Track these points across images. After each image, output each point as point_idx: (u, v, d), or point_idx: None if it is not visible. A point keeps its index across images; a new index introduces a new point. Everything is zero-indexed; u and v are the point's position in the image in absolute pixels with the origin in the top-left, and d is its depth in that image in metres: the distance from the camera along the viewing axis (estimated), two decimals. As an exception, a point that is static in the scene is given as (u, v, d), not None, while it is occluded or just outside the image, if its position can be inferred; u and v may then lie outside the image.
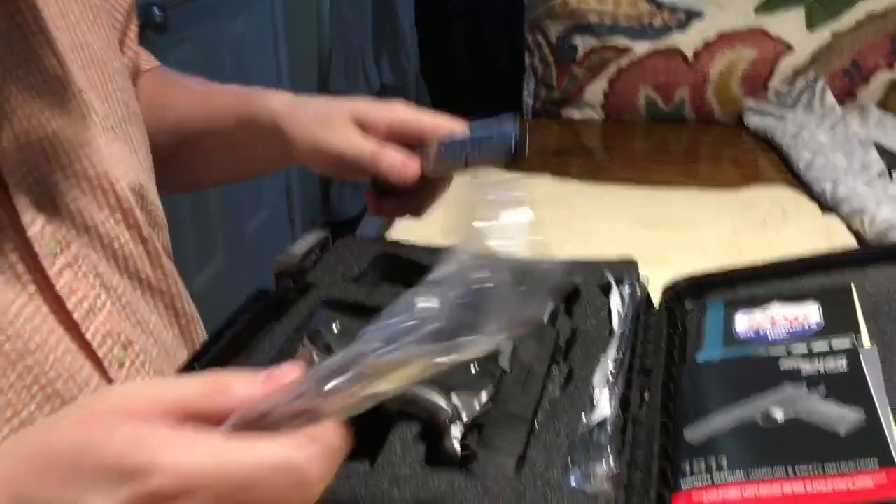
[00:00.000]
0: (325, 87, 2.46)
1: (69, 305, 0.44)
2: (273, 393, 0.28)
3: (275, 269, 0.56)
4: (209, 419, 0.28)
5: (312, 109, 0.60)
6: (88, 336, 0.45)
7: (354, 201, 2.31)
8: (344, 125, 0.58)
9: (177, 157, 0.67)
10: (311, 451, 0.27)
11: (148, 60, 0.69)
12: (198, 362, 0.47)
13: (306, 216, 2.24)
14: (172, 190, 0.68)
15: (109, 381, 0.46)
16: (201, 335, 0.58)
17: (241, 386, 0.29)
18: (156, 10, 1.43)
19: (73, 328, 0.45)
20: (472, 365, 0.43)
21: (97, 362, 0.46)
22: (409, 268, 0.59)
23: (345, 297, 0.53)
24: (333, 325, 0.40)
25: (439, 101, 2.65)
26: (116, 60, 0.56)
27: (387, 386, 0.28)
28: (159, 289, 0.53)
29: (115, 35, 0.58)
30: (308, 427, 0.28)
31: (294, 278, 0.56)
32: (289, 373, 0.29)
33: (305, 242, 0.59)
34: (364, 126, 0.58)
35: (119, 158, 0.51)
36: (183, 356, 0.54)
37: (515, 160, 0.53)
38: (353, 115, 0.58)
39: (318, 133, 0.58)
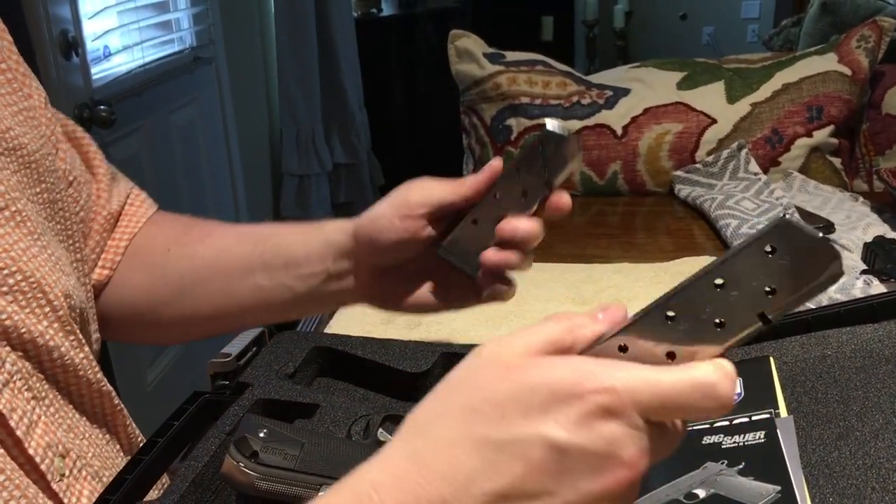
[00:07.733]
0: (277, 168, 2.49)
1: (11, 423, 0.44)
2: (614, 326, 0.33)
3: (209, 370, 0.57)
4: (569, 351, 0.33)
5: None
6: (31, 451, 0.45)
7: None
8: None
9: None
10: (723, 374, 0.31)
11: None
12: (134, 470, 0.47)
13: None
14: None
15: (53, 494, 0.46)
16: (132, 429, 0.57)
17: (587, 322, 0.33)
18: (101, 107, 1.45)
19: (15, 444, 0.45)
20: None
21: (40, 475, 0.45)
22: (344, 361, 0.60)
23: (279, 395, 0.54)
24: (261, 432, 0.41)
25: (392, 179, 2.70)
26: (48, 160, 0.55)
27: None
28: (90, 391, 0.53)
29: (51, 132, 0.58)
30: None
31: (229, 378, 0.57)
32: (618, 309, 0.34)
33: (241, 341, 0.60)
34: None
35: (50, 266, 0.51)
36: (115, 452, 0.54)
37: None
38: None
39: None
